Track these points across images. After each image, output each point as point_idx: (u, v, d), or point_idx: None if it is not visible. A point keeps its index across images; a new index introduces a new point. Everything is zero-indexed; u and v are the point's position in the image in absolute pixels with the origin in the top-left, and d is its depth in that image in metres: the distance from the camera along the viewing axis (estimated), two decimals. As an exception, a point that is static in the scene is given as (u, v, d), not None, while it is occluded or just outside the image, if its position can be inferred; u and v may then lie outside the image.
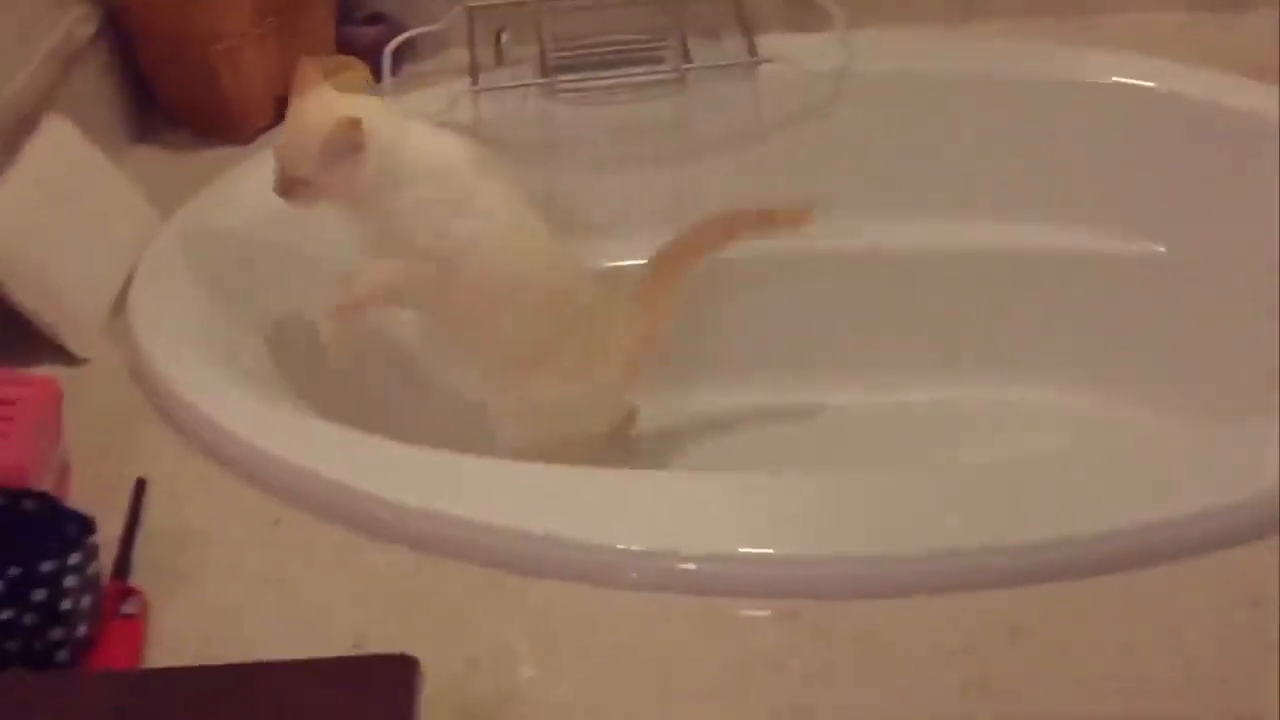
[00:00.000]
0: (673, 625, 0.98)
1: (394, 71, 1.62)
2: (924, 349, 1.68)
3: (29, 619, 0.91)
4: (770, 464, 1.49)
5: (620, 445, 1.53)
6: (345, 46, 1.71)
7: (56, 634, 0.92)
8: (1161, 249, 1.63)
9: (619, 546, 1.03)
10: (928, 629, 0.96)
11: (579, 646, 0.96)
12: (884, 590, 0.99)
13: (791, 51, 1.63)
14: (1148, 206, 1.62)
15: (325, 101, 1.19)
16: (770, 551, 1.02)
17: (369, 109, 1.21)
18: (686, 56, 1.63)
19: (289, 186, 1.19)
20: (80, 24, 1.52)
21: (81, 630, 0.94)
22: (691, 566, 1.01)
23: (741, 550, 1.02)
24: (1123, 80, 1.62)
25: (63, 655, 0.93)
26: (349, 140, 1.16)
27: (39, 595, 0.91)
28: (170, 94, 1.63)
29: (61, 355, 1.27)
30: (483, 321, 1.32)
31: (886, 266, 1.67)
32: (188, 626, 1.00)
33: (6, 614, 0.90)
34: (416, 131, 1.25)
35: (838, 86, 1.65)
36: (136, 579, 1.03)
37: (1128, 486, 1.05)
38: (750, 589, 1.00)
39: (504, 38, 1.66)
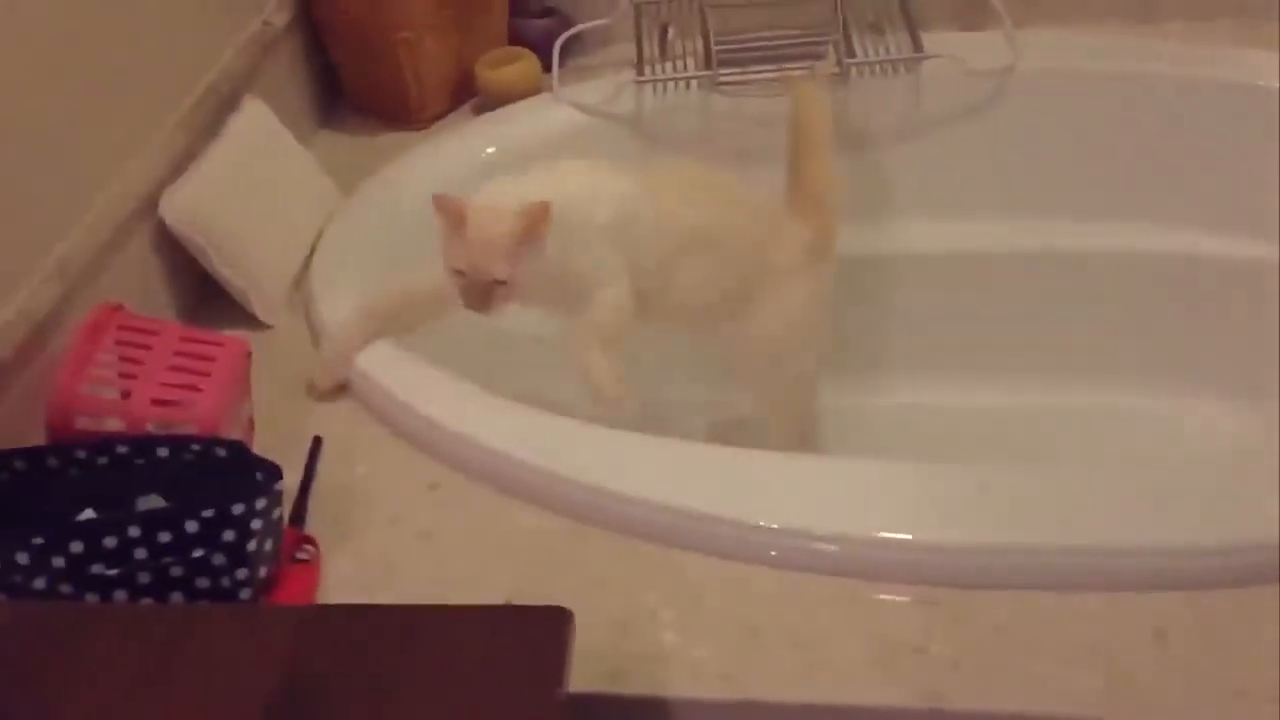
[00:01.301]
0: (810, 603, 1.01)
1: (562, 63, 1.68)
2: (1078, 352, 1.66)
3: (218, 559, 0.99)
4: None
5: None
6: (517, 38, 1.78)
7: (242, 574, 1.00)
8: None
9: (759, 524, 1.06)
10: (1069, 625, 0.96)
11: (719, 617, 1.00)
12: (1026, 583, 0.99)
13: (957, 48, 1.63)
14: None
15: (492, 203, 1.17)
16: (909, 537, 1.04)
17: (526, 190, 1.19)
18: (850, 51, 1.64)
19: (487, 293, 1.16)
20: (277, 13, 1.62)
21: (264, 571, 1.02)
22: (830, 548, 1.04)
23: (881, 534, 1.04)
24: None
25: (246, 594, 1.01)
26: (544, 223, 1.15)
27: (229, 536, 0.99)
28: (354, 80, 1.73)
29: (249, 319, 1.37)
30: (715, 293, 1.33)
31: (1043, 266, 1.65)
32: (352, 575, 1.07)
33: (198, 552, 0.99)
34: (562, 181, 1.24)
35: (1002, 85, 1.63)
36: (310, 528, 1.11)
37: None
38: (889, 574, 1.02)
39: (670, 32, 1.70)
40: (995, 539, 1.03)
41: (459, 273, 1.17)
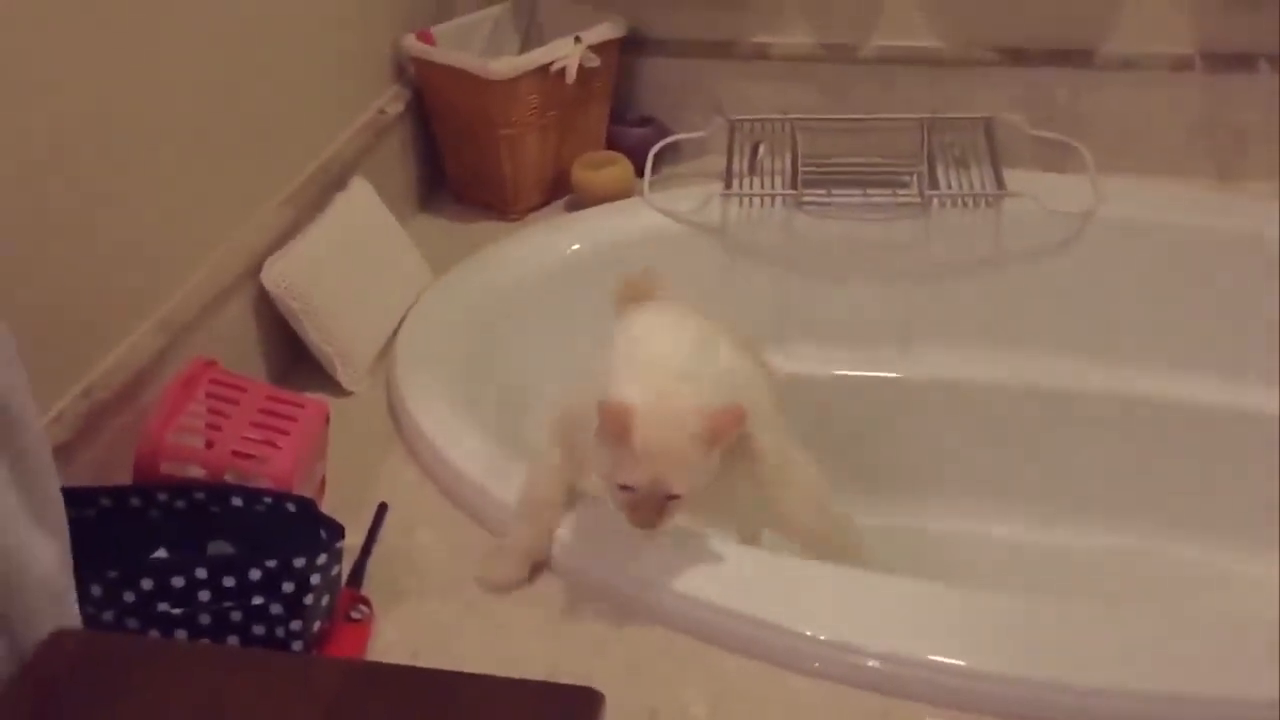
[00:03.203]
0: (845, 717, 1.01)
1: (655, 170, 1.75)
2: (1121, 493, 1.65)
3: (276, 608, 1.03)
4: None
5: None
6: (614, 143, 1.86)
7: (296, 625, 1.04)
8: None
9: (806, 633, 1.06)
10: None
11: (753, 716, 1.01)
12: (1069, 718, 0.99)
13: (1039, 189, 1.66)
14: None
15: (665, 405, 1.02)
16: (961, 663, 1.03)
17: (692, 383, 1.05)
18: (933, 182, 1.68)
19: (660, 510, 1.02)
20: (391, 102, 1.72)
21: (317, 625, 1.06)
22: (875, 664, 1.04)
23: (930, 657, 1.04)
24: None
25: (298, 645, 1.05)
26: (737, 429, 1.01)
27: (288, 587, 1.03)
28: (457, 169, 1.82)
29: (332, 385, 1.43)
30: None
31: (1096, 410, 1.66)
32: (402, 638, 1.11)
33: (258, 600, 1.03)
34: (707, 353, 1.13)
35: (1081, 228, 1.66)
36: (366, 589, 1.15)
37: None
38: (934, 697, 1.02)
39: (761, 149, 1.77)
40: (1038, 672, 1.03)
41: (625, 488, 1.02)
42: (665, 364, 1.08)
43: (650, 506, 1.02)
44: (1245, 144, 1.73)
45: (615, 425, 0.99)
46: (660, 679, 1.05)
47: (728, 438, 1.01)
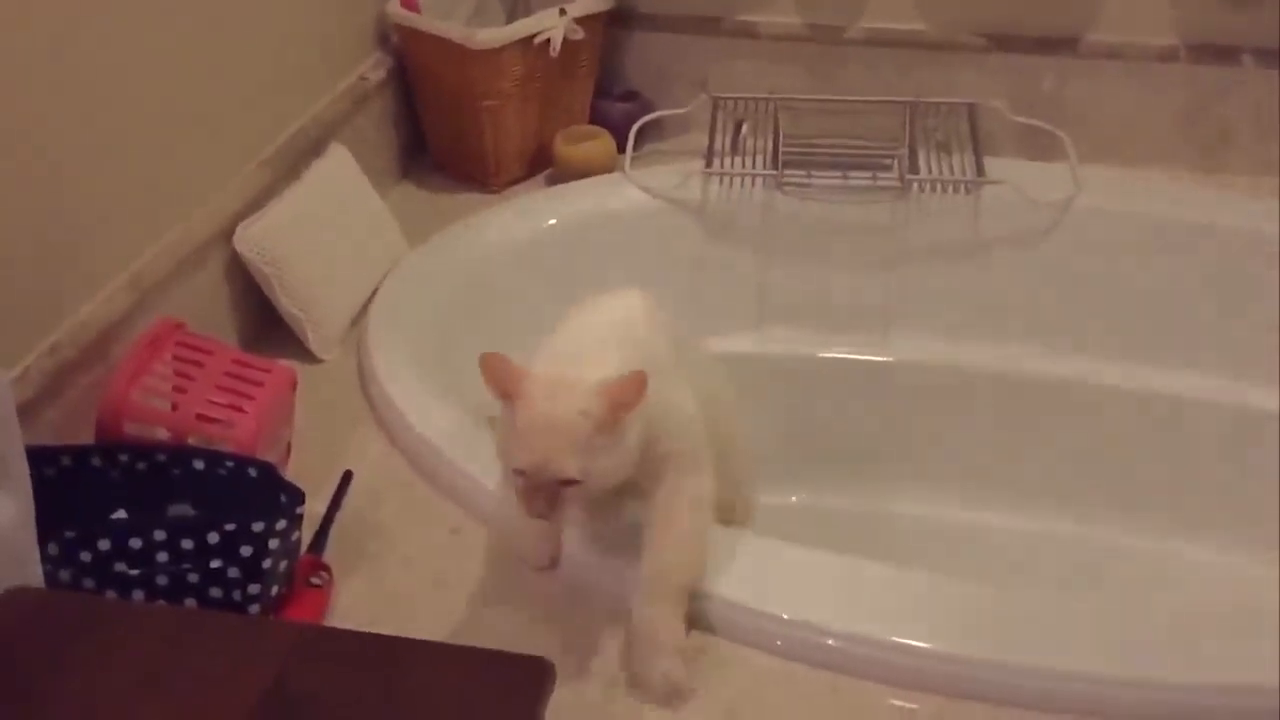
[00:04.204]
0: (799, 696, 1.01)
1: (637, 146, 1.74)
2: (1092, 481, 1.65)
3: (233, 571, 1.03)
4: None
5: None
6: (597, 118, 1.84)
7: (254, 588, 1.04)
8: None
9: (767, 611, 1.07)
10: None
11: (712, 693, 1.01)
12: (1036, 704, 0.99)
13: (1019, 177, 1.66)
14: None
15: (559, 381, 0.92)
16: (926, 645, 1.04)
17: (602, 356, 0.95)
18: (914, 167, 1.68)
19: (552, 498, 0.91)
20: (373, 69, 1.71)
21: (275, 590, 1.06)
22: (834, 643, 1.04)
23: (894, 639, 1.04)
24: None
25: (255, 609, 1.05)
26: (638, 401, 0.88)
27: (246, 551, 1.03)
28: (438, 139, 1.81)
29: (303, 352, 1.43)
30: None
31: (1070, 399, 1.66)
32: (361, 606, 1.11)
33: (216, 563, 1.03)
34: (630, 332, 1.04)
35: (1059, 217, 1.66)
36: (328, 557, 1.15)
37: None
38: (894, 678, 1.02)
39: (744, 128, 1.76)
40: (1002, 655, 1.03)
41: (518, 471, 0.91)
42: (578, 340, 0.99)
43: (542, 495, 0.91)
44: (1228, 137, 1.73)
45: (494, 380, 0.89)
46: (617, 653, 1.04)
47: (630, 409, 0.89)
